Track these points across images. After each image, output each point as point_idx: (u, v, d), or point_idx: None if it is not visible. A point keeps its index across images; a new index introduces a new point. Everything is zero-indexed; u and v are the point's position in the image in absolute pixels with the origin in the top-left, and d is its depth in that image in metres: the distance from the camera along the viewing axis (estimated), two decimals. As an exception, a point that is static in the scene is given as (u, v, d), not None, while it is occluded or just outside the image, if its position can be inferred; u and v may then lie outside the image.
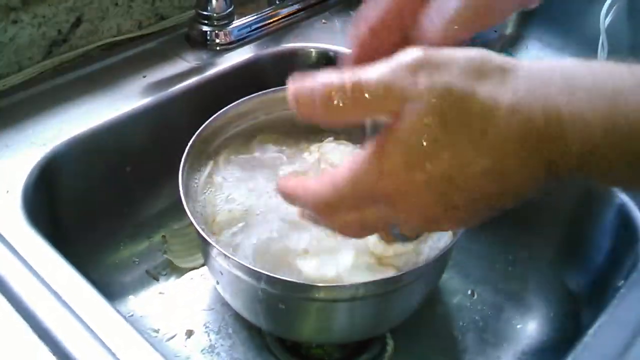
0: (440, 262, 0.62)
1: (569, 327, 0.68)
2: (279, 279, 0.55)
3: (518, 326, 0.71)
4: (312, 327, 0.62)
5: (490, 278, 0.75)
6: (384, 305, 0.59)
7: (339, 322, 0.60)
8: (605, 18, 0.95)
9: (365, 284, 0.57)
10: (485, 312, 0.72)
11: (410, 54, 0.37)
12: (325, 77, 0.38)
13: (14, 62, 0.74)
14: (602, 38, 0.96)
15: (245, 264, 0.55)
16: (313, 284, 0.56)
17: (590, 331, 0.54)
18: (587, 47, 1.05)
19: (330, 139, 0.71)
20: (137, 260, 0.76)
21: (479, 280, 0.75)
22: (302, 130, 0.74)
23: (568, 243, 0.71)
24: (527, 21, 1.14)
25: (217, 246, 0.55)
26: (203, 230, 0.57)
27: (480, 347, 0.69)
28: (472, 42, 0.41)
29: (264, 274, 0.54)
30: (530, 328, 0.71)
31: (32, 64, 0.76)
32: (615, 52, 0.98)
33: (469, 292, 0.74)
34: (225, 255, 0.55)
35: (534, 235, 0.75)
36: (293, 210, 0.53)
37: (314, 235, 0.61)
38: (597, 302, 0.66)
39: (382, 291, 0.56)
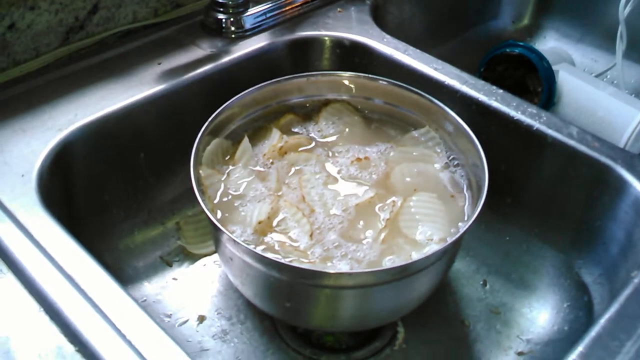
0: (451, 250, 0.62)
1: (582, 317, 0.68)
2: (287, 265, 0.55)
3: (530, 316, 0.70)
4: (321, 315, 0.62)
5: (503, 268, 0.75)
6: (393, 293, 0.58)
7: (348, 310, 0.60)
8: (624, 8, 0.94)
9: (374, 271, 0.57)
10: (497, 301, 0.72)
11: None
12: None
13: (31, 48, 0.75)
14: (621, 28, 0.94)
15: (254, 250, 0.55)
16: (322, 270, 0.56)
17: (602, 321, 0.53)
18: (605, 38, 1.04)
19: None
20: (151, 246, 0.76)
21: (492, 270, 0.75)
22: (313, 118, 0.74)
23: (582, 233, 0.71)
24: (545, 11, 1.13)
25: (227, 232, 0.56)
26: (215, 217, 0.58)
27: (491, 337, 0.69)
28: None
29: (272, 260, 0.55)
30: (542, 318, 0.70)
31: (49, 51, 0.77)
32: (635, 43, 0.97)
33: (482, 281, 0.74)
34: (235, 241, 0.55)
35: (548, 225, 0.74)
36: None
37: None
38: (610, 293, 0.66)
39: (390, 279, 0.56)
